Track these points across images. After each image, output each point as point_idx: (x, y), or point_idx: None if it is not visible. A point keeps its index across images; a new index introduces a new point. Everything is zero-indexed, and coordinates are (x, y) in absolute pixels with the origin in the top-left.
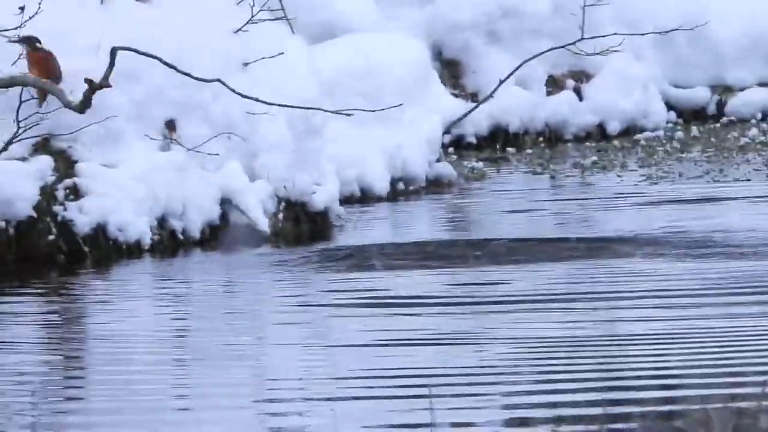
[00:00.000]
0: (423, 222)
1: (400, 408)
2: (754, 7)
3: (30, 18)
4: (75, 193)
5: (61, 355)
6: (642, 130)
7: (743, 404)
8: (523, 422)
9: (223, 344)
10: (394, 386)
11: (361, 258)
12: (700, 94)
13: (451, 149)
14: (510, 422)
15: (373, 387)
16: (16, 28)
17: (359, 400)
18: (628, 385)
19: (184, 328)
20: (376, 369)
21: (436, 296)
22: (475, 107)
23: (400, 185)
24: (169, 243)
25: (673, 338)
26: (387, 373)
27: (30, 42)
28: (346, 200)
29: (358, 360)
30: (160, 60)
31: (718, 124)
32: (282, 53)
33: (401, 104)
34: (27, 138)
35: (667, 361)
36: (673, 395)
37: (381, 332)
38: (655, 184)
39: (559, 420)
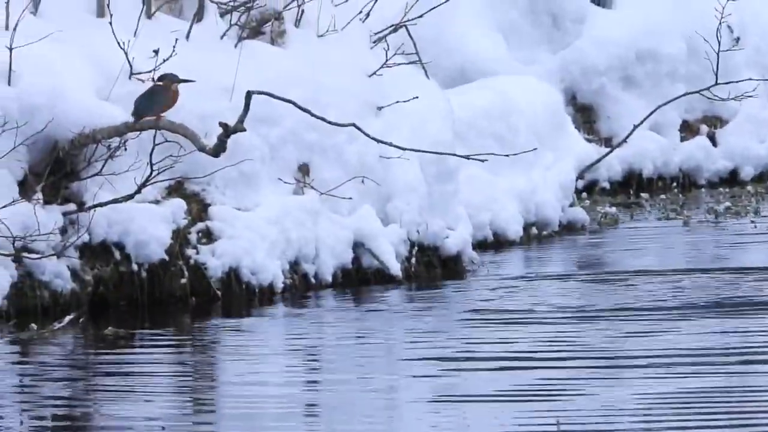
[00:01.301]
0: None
1: None
2: None
3: (164, 61)
4: (208, 236)
5: (191, 401)
6: None
7: None
8: None
9: (353, 398)
10: None
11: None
12: None
13: (584, 194)
14: None
15: None
16: (150, 72)
17: None
18: None
19: (314, 380)
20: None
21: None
22: (609, 152)
23: (533, 230)
24: (301, 286)
25: None
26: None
27: (173, 78)
28: (479, 245)
29: (487, 415)
30: (295, 104)
31: None
32: (416, 97)
33: (535, 148)
34: (160, 181)
35: None
36: None
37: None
38: None
39: None
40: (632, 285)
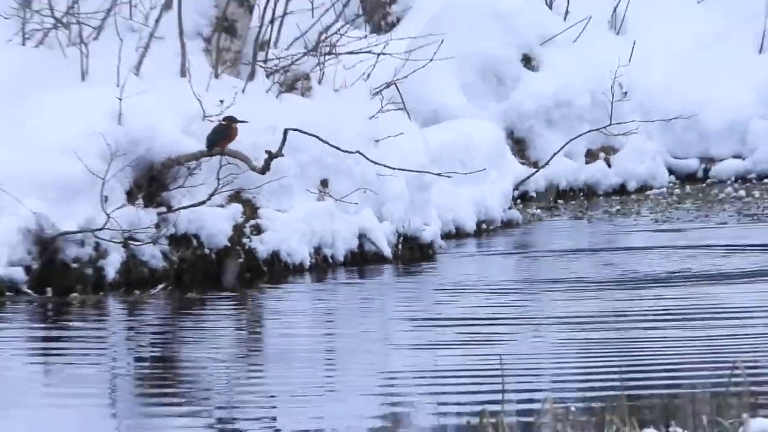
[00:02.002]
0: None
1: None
2: (729, 103)
3: (227, 108)
4: (257, 229)
5: (245, 347)
6: (651, 188)
7: None
8: None
9: (357, 345)
10: (472, 383)
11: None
12: (692, 163)
13: (518, 200)
14: None
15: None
16: (217, 115)
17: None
18: None
19: (330, 332)
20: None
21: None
22: (536, 171)
23: (483, 225)
24: (322, 264)
25: None
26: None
27: (233, 120)
28: (445, 236)
29: (451, 357)
30: (318, 137)
31: (704, 185)
32: (402, 133)
33: (485, 169)
34: (224, 191)
35: None
36: None
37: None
38: (660, 224)
39: None
40: (551, 261)
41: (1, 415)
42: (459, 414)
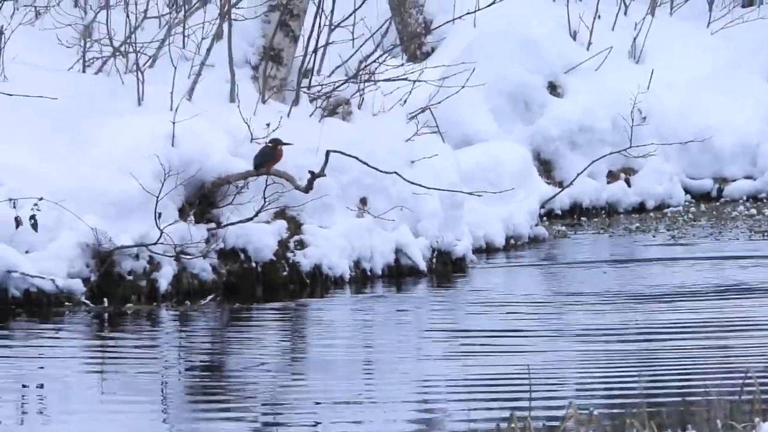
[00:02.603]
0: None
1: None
2: (741, 127)
3: (273, 131)
4: (301, 244)
5: (288, 355)
6: (668, 206)
7: None
8: None
9: (392, 355)
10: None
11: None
12: (707, 184)
13: (544, 218)
14: None
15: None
16: (264, 138)
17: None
18: None
19: (368, 344)
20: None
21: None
22: (561, 191)
23: (512, 241)
24: (361, 277)
25: None
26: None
27: (278, 142)
28: (476, 250)
29: (480, 364)
30: (358, 159)
31: (718, 203)
32: (436, 154)
33: (513, 188)
34: (270, 208)
35: None
36: None
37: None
38: (677, 240)
39: None
40: (576, 275)
41: (60, 420)
42: (489, 419)
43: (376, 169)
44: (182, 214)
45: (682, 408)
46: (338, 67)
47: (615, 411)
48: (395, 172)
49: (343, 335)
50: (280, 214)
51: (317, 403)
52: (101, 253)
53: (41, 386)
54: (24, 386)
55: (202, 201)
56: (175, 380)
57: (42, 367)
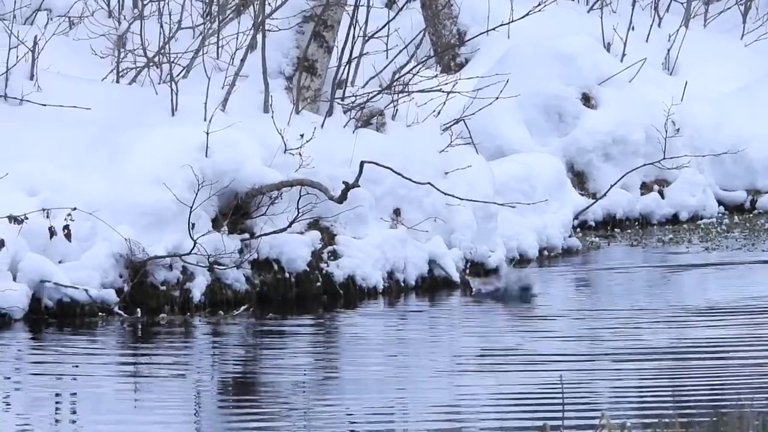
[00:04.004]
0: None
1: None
2: None
3: (307, 141)
4: (334, 255)
5: (321, 366)
6: (702, 218)
7: None
8: None
9: (424, 372)
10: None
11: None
12: (740, 195)
13: (578, 229)
14: None
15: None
16: (297, 149)
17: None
18: None
19: (401, 358)
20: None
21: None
22: (594, 202)
23: (545, 252)
24: (395, 288)
25: None
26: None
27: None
28: (509, 261)
29: (512, 381)
30: (391, 170)
31: (751, 215)
32: (470, 166)
33: (546, 200)
34: (304, 219)
35: None
36: None
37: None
38: (710, 252)
39: None
40: (608, 285)
41: (93, 429)
42: (521, 429)
43: (410, 179)
44: (216, 224)
45: (713, 419)
46: (372, 78)
47: (647, 421)
48: (429, 183)
49: (376, 345)
50: (314, 224)
51: (350, 415)
52: (135, 264)
53: (74, 395)
54: (57, 395)
55: (236, 211)
56: (207, 391)
57: (75, 378)
